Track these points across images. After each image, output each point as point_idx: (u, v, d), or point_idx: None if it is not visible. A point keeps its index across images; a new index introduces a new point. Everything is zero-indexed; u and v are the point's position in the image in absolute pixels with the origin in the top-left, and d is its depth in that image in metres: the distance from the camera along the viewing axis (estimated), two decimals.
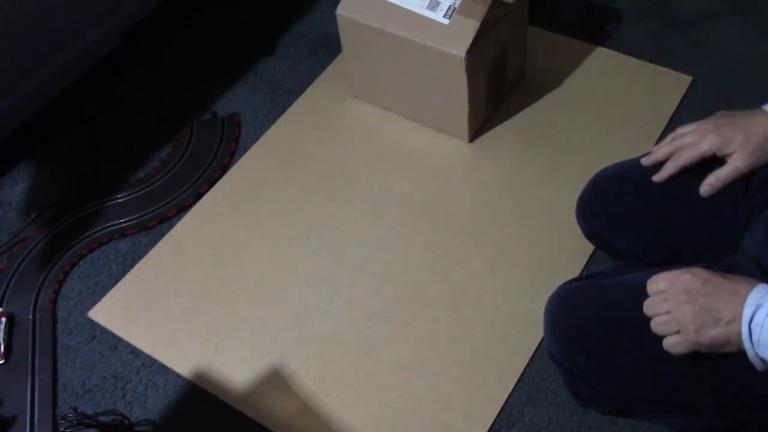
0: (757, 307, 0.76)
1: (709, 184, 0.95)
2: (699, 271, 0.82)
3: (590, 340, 0.93)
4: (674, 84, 1.45)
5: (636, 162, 1.04)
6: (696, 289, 0.81)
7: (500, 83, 1.42)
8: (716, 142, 0.94)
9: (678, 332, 0.82)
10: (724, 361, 0.82)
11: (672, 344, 0.83)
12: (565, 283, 1.02)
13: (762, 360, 0.78)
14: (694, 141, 0.96)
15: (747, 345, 0.77)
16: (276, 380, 1.14)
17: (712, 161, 0.96)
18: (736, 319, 0.77)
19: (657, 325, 0.84)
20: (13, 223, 1.42)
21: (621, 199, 1.06)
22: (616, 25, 1.58)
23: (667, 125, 1.38)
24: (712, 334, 0.79)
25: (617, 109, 1.42)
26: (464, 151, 1.41)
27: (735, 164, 0.93)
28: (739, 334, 0.77)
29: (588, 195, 1.11)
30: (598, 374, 0.94)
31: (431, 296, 1.21)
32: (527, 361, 1.12)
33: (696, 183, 0.97)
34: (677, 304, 0.81)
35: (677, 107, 1.41)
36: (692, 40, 1.53)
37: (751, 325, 0.76)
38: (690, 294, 0.81)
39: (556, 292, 1.00)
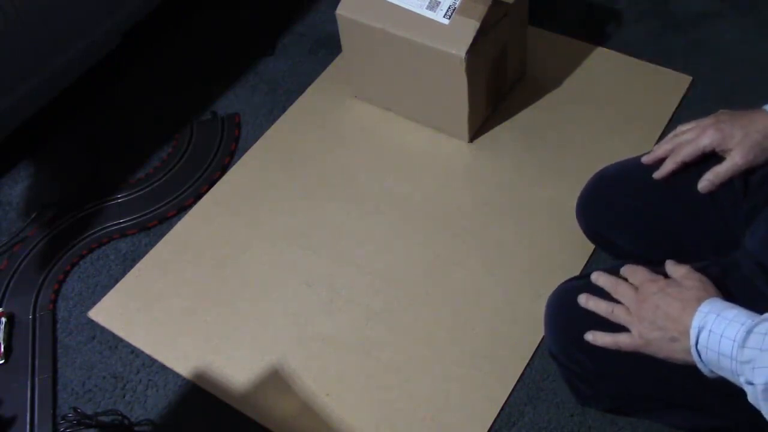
0: (700, 330, 0.78)
1: (707, 180, 0.95)
2: (658, 281, 0.87)
3: None
4: (674, 84, 1.45)
5: (636, 161, 1.04)
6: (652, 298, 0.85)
7: (500, 83, 1.42)
8: (716, 138, 0.94)
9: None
10: None
11: (621, 341, 0.87)
12: (565, 282, 1.02)
13: (715, 375, 0.80)
14: (693, 137, 0.97)
15: (701, 366, 0.80)
16: (276, 380, 1.14)
17: (711, 159, 0.96)
18: (681, 338, 0.81)
19: (614, 313, 0.88)
20: (13, 223, 1.42)
21: (621, 199, 1.06)
22: (616, 25, 1.59)
23: (667, 125, 1.38)
24: (661, 345, 0.84)
25: (617, 109, 1.42)
26: (464, 151, 1.41)
27: (733, 160, 0.93)
28: (688, 351, 0.80)
29: (588, 194, 1.11)
30: (598, 372, 0.94)
31: (431, 296, 1.21)
32: (527, 361, 1.12)
33: (696, 182, 0.97)
34: (638, 306, 0.86)
35: (677, 107, 1.41)
36: (692, 40, 1.53)
37: (698, 347, 0.79)
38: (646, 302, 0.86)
39: (556, 291, 1.00)
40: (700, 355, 0.79)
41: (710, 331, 0.77)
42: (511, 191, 1.33)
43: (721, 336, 0.76)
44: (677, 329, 0.81)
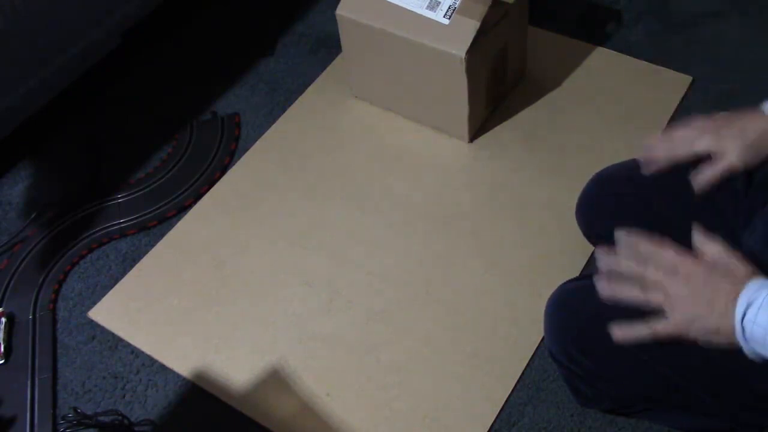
0: (748, 305, 0.76)
1: (702, 180, 0.95)
2: (693, 259, 0.83)
3: (590, 340, 0.93)
4: (674, 84, 1.45)
5: (636, 162, 1.04)
6: (696, 275, 0.81)
7: (500, 83, 1.42)
8: (712, 140, 0.94)
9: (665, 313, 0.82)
10: (724, 361, 0.82)
11: (660, 329, 0.82)
12: (565, 283, 1.02)
13: (755, 353, 0.78)
14: (690, 138, 0.97)
15: (743, 343, 0.78)
16: (276, 380, 1.14)
17: (707, 160, 0.96)
18: (728, 311, 0.77)
19: (649, 297, 0.83)
20: (13, 223, 1.42)
21: (621, 200, 1.06)
22: (616, 25, 1.59)
23: (667, 125, 1.38)
24: (705, 324, 0.79)
25: (617, 109, 1.42)
26: (464, 151, 1.41)
27: (729, 161, 0.93)
28: (732, 327, 0.77)
29: (588, 195, 1.11)
30: (598, 373, 0.94)
31: (431, 296, 1.21)
32: (527, 361, 1.12)
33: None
34: (673, 285, 0.81)
35: (677, 107, 1.41)
36: (692, 40, 1.53)
37: (744, 323, 0.76)
38: (689, 279, 0.81)
39: (556, 291, 1.00)
40: (744, 331, 0.76)
41: (760, 306, 0.75)
42: (511, 191, 1.33)
43: None
44: (725, 307, 0.77)
